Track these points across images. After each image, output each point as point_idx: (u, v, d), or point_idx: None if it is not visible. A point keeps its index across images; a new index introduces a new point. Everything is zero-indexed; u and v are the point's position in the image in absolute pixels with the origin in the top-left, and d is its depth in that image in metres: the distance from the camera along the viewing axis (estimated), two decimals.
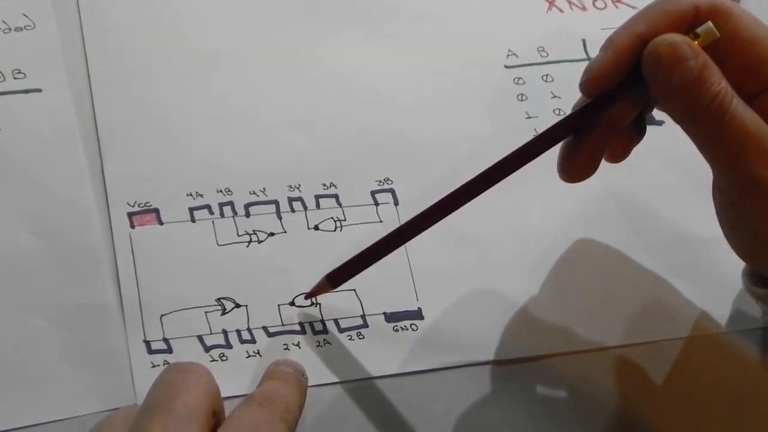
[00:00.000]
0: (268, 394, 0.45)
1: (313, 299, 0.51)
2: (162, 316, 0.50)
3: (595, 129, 0.48)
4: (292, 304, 0.51)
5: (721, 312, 0.54)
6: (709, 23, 0.46)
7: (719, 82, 0.45)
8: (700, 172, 0.54)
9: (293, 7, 0.59)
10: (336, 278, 0.50)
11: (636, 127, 0.50)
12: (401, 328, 0.51)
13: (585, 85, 0.47)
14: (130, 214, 0.52)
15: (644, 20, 0.47)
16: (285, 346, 0.50)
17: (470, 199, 0.48)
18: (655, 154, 0.56)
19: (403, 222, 0.53)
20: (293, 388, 0.46)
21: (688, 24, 0.47)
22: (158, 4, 0.57)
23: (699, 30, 0.46)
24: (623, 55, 0.46)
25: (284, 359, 0.49)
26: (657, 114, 0.53)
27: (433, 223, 0.49)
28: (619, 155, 0.50)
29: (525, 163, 0.48)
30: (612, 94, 0.47)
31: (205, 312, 0.50)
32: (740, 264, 0.52)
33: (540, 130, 0.56)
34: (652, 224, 0.56)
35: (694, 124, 0.46)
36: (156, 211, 0.52)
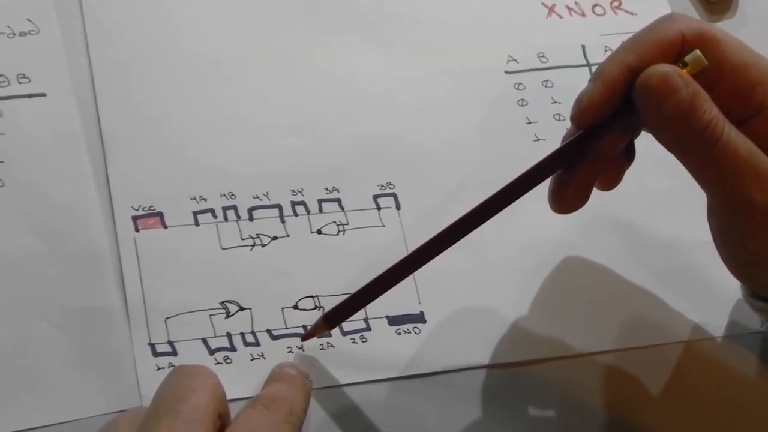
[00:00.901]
0: (273, 396, 0.45)
1: (317, 302, 0.51)
2: (166, 318, 0.50)
3: (584, 160, 0.48)
4: (295, 307, 0.51)
5: (716, 317, 0.54)
6: (697, 51, 0.46)
7: (710, 110, 0.45)
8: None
9: (295, 12, 0.59)
10: (332, 319, 0.49)
11: (626, 153, 0.50)
12: (404, 331, 0.52)
13: (576, 117, 0.47)
14: (135, 218, 0.52)
15: (633, 50, 0.47)
16: (289, 349, 0.50)
17: (459, 239, 0.48)
18: (651, 160, 0.57)
19: (405, 230, 0.54)
20: (298, 390, 0.46)
21: (676, 52, 0.47)
22: (161, 9, 0.58)
23: (687, 58, 0.46)
24: (613, 85, 0.46)
25: (288, 362, 0.49)
26: None
27: (422, 266, 0.49)
28: (610, 183, 0.50)
29: (516, 198, 0.48)
30: (603, 125, 0.47)
31: (210, 315, 0.50)
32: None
33: (540, 136, 0.58)
34: (648, 230, 0.56)
35: (687, 152, 0.47)
36: (160, 214, 0.52)
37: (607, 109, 0.47)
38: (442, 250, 0.48)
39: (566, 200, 0.49)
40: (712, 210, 0.49)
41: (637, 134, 0.50)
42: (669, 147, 0.47)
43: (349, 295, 0.49)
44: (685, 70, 0.46)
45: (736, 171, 0.46)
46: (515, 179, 0.48)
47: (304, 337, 0.50)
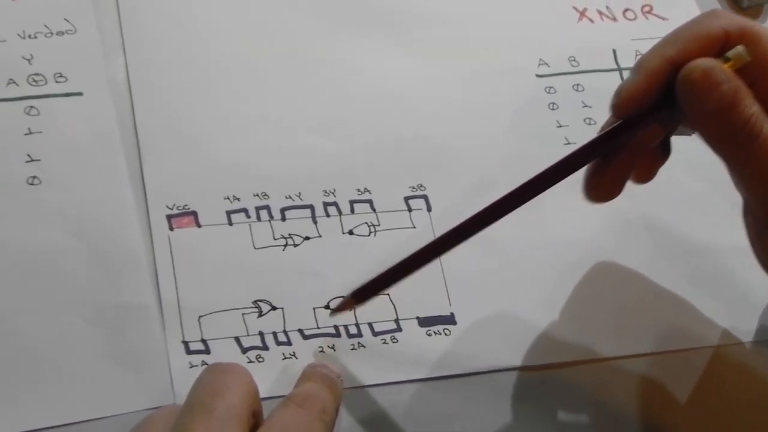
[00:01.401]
0: (306, 395, 0.46)
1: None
2: (200, 317, 0.50)
3: (622, 151, 0.48)
4: (327, 307, 0.52)
5: (747, 322, 0.55)
6: (740, 47, 0.46)
7: (751, 106, 0.46)
8: (727, 181, 0.55)
9: (325, 13, 0.60)
10: (361, 295, 0.50)
11: (662, 149, 0.50)
12: (434, 332, 0.52)
13: (616, 108, 0.47)
14: (169, 217, 0.52)
15: (674, 44, 0.47)
16: (320, 349, 0.51)
17: (493, 221, 0.48)
18: (682, 163, 0.57)
19: (436, 231, 0.54)
20: (330, 389, 0.47)
21: (718, 48, 0.47)
22: (194, 11, 0.58)
23: (729, 54, 0.47)
24: (654, 78, 0.47)
25: (320, 362, 0.50)
26: None
27: (456, 244, 0.48)
28: (645, 176, 0.51)
29: (552, 185, 0.48)
30: (642, 117, 0.47)
31: (242, 314, 0.51)
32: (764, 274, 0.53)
33: (571, 139, 0.58)
34: (680, 233, 0.57)
35: (726, 148, 0.47)
36: (194, 213, 0.53)
37: (646, 101, 0.47)
38: (473, 234, 0.48)
39: (600, 189, 0.49)
40: (749, 208, 0.49)
41: (674, 130, 0.50)
42: (709, 142, 0.48)
43: (378, 273, 0.49)
44: (727, 65, 0.46)
45: None
46: (552, 165, 0.48)
47: (334, 311, 0.51)
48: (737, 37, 0.47)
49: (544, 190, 0.48)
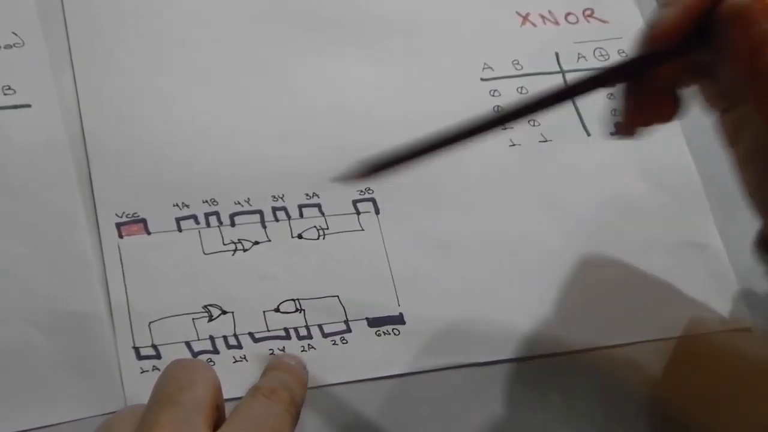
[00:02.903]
0: (272, 386, 0.46)
1: (298, 305, 0.52)
2: (150, 323, 0.51)
3: (642, 82, 0.48)
4: (276, 310, 0.52)
5: (712, 312, 0.56)
6: None
7: None
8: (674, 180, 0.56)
9: (278, 22, 0.60)
10: (372, 169, 0.48)
11: (676, 104, 0.49)
12: (384, 332, 0.53)
13: (651, 38, 0.47)
14: (119, 225, 0.53)
15: None
16: (270, 351, 0.51)
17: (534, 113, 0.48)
18: (634, 162, 0.58)
19: (384, 234, 0.55)
20: (296, 379, 0.48)
21: None
22: (145, 19, 0.59)
23: None
24: (690, 11, 0.46)
25: (286, 353, 0.51)
26: None
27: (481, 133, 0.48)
28: (668, 114, 0.49)
29: (587, 92, 0.48)
30: (670, 50, 0.47)
31: (193, 319, 0.51)
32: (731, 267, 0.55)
33: (515, 141, 0.59)
34: (624, 231, 0.58)
35: (756, 85, 0.46)
36: (143, 221, 0.53)
37: (680, 34, 0.46)
38: (507, 122, 0.48)
39: (636, 118, 0.49)
40: (751, 156, 0.49)
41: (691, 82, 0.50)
42: (742, 77, 0.47)
43: (395, 150, 0.48)
44: None
45: None
46: (589, 75, 0.47)
47: (342, 179, 0.49)
48: None
49: (575, 95, 0.48)
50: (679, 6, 0.47)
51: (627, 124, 0.49)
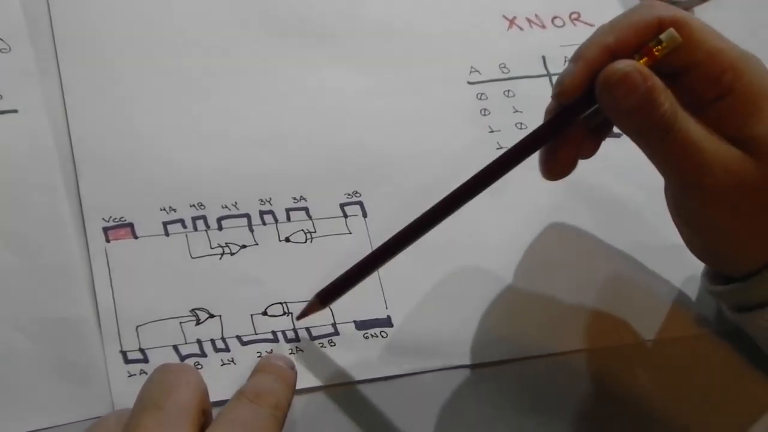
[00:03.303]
0: (258, 389, 0.46)
1: (285, 309, 0.52)
2: (138, 327, 0.51)
3: (568, 132, 0.51)
4: (264, 313, 0.52)
5: (684, 315, 0.56)
6: (672, 30, 0.48)
7: (665, 103, 0.48)
8: (655, 183, 0.56)
9: (263, 26, 0.61)
10: (326, 297, 0.51)
11: (603, 124, 0.52)
12: (371, 335, 0.53)
13: (558, 96, 0.50)
14: (105, 229, 0.53)
15: (611, 33, 0.49)
16: (258, 354, 0.51)
17: (461, 205, 0.50)
18: (612, 165, 0.58)
19: (372, 237, 0.55)
20: (283, 381, 0.47)
21: (654, 34, 0.49)
22: (130, 25, 0.59)
23: (662, 36, 0.48)
24: (592, 66, 0.49)
25: (274, 354, 0.51)
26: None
27: (423, 234, 0.50)
28: (591, 151, 0.53)
29: (507, 171, 0.50)
30: (582, 102, 0.49)
31: (180, 322, 0.51)
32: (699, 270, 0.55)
33: (503, 144, 0.59)
34: (611, 233, 0.58)
35: (643, 140, 0.50)
36: (130, 225, 0.53)
37: (586, 88, 0.49)
38: (444, 218, 0.50)
39: (556, 168, 0.51)
40: (669, 191, 0.52)
41: None
42: (626, 134, 0.50)
43: (341, 274, 0.51)
44: (659, 47, 0.48)
45: (688, 157, 0.48)
46: (506, 152, 0.50)
47: (300, 316, 0.51)
48: (670, 25, 0.49)
49: (497, 179, 0.50)
50: (582, 62, 0.49)
51: (563, 164, 0.51)
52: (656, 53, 0.48)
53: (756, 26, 0.64)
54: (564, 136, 0.51)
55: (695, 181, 0.49)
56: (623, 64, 0.48)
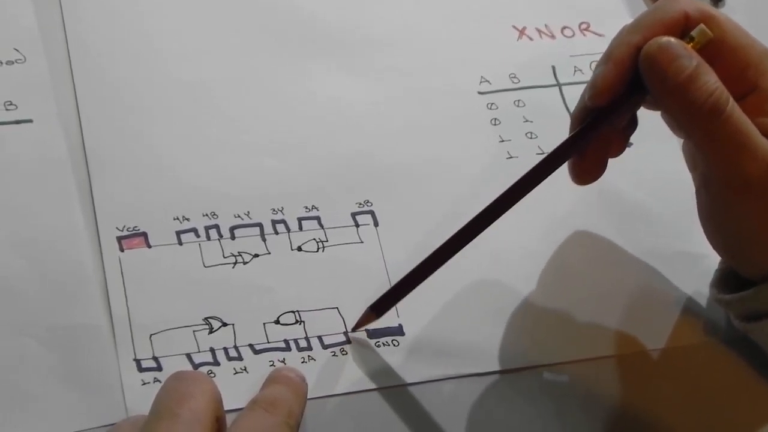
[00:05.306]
0: (272, 399, 0.47)
1: (297, 317, 0.53)
2: (151, 335, 0.51)
3: (599, 136, 0.51)
4: (276, 322, 0.53)
5: (694, 323, 0.56)
6: (702, 25, 0.49)
7: (714, 82, 0.48)
8: (666, 192, 0.56)
9: (276, 36, 0.61)
10: (380, 308, 0.52)
11: (630, 123, 0.52)
12: (383, 344, 0.53)
13: (592, 99, 0.50)
14: (119, 238, 0.53)
15: (638, 30, 0.50)
16: (271, 363, 0.51)
17: (501, 214, 0.51)
18: (625, 173, 0.59)
19: (383, 246, 0.55)
20: (296, 392, 0.48)
21: (680, 30, 0.49)
22: (144, 35, 0.59)
23: (693, 33, 0.49)
24: (622, 65, 0.49)
25: (285, 365, 0.51)
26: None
27: (472, 239, 0.51)
28: (619, 150, 0.53)
29: (545, 177, 0.51)
30: (616, 102, 0.50)
31: (193, 331, 0.52)
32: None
33: (513, 153, 0.60)
34: (620, 242, 0.58)
35: (691, 122, 0.49)
36: (144, 234, 0.54)
37: (619, 88, 0.49)
38: (490, 224, 0.51)
39: (586, 172, 0.52)
40: (703, 185, 0.51)
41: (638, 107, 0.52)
42: (675, 118, 0.50)
43: (393, 285, 0.52)
44: (691, 44, 0.48)
45: (737, 144, 0.48)
46: (543, 159, 0.51)
47: (354, 328, 0.52)
48: (697, 20, 0.49)
49: (539, 182, 0.51)
50: (612, 62, 0.49)
51: (593, 168, 0.52)
52: None
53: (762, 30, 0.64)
54: (593, 141, 0.51)
55: (738, 169, 0.48)
56: (662, 37, 0.48)
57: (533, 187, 0.51)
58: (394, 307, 0.53)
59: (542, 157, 0.51)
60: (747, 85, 0.50)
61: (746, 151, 0.48)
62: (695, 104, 0.48)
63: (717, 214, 0.51)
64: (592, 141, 0.51)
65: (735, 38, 0.50)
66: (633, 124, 0.53)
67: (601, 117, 0.50)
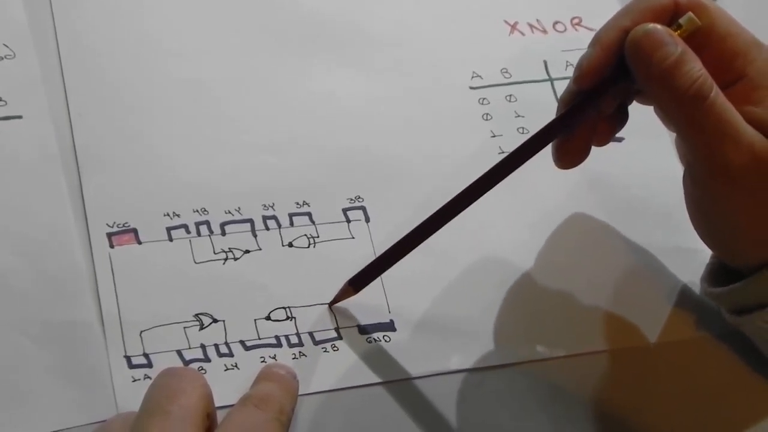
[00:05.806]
0: (263, 395, 0.47)
1: (288, 313, 0.53)
2: (142, 332, 0.51)
3: (585, 120, 0.51)
4: (267, 318, 0.53)
5: (686, 318, 0.56)
6: (691, 14, 0.49)
7: (698, 69, 0.48)
8: (657, 187, 0.56)
9: (269, 33, 0.61)
10: (358, 283, 0.52)
11: (619, 115, 0.52)
12: (374, 339, 0.53)
13: (578, 79, 0.50)
14: (110, 235, 0.53)
15: (628, 15, 0.50)
16: (262, 359, 0.51)
17: (493, 186, 0.51)
18: (618, 168, 0.59)
19: (375, 241, 0.55)
20: (287, 388, 0.48)
21: (669, 17, 0.50)
22: (135, 31, 0.59)
23: (681, 20, 0.49)
24: (610, 48, 0.49)
25: (276, 362, 0.51)
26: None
27: (450, 219, 0.51)
28: (604, 139, 0.53)
29: (528, 158, 0.51)
30: (602, 87, 0.50)
31: (184, 327, 0.52)
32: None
33: (504, 148, 0.59)
34: (612, 237, 0.58)
35: (675, 108, 0.49)
36: (134, 231, 0.54)
37: (604, 71, 0.49)
38: (457, 213, 0.51)
39: (569, 156, 0.52)
40: (689, 175, 0.51)
41: (630, 99, 0.52)
42: (659, 105, 0.50)
43: (371, 261, 0.52)
44: (679, 32, 0.49)
45: (720, 132, 0.48)
46: (527, 140, 0.51)
47: (332, 302, 0.52)
48: (687, 7, 0.49)
49: (520, 164, 0.51)
50: (599, 45, 0.50)
51: (577, 152, 0.52)
52: None
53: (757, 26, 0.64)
54: (579, 124, 0.51)
55: (721, 157, 0.48)
56: (649, 24, 0.48)
57: (517, 167, 0.51)
58: (385, 304, 0.54)
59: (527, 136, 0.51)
60: (735, 74, 0.50)
61: (729, 139, 0.48)
62: (678, 91, 0.48)
63: (702, 204, 0.51)
64: (577, 125, 0.51)
65: (724, 27, 0.50)
66: (623, 117, 0.53)
67: (587, 100, 0.50)
